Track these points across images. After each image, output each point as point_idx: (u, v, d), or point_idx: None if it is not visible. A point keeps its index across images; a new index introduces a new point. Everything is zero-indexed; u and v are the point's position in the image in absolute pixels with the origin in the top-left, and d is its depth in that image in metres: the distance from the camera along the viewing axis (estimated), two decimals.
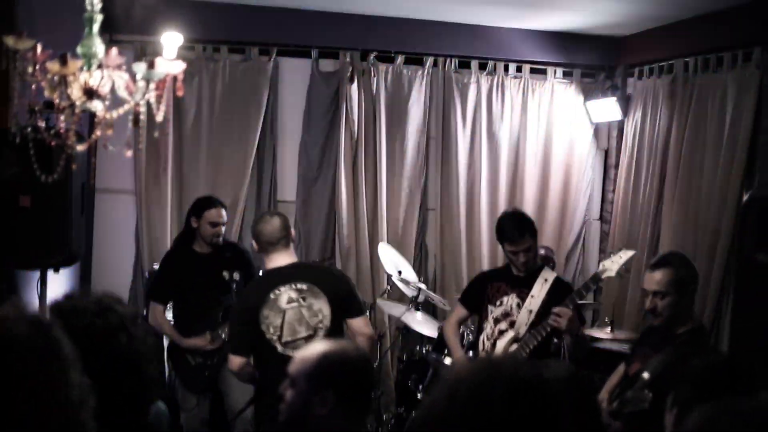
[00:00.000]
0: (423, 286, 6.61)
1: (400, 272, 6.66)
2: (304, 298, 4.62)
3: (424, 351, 6.54)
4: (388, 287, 6.96)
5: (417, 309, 6.59)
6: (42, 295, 5.21)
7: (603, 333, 6.43)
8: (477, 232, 7.67)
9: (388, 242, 7.34)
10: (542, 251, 6.82)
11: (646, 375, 3.90)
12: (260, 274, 4.98)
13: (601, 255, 7.86)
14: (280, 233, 4.75)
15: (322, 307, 4.63)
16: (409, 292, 6.64)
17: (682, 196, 6.28)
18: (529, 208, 7.64)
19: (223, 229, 5.88)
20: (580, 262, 7.94)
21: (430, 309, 7.44)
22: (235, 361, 4.67)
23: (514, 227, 5.11)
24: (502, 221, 5.27)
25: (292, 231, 4.91)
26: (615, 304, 7.06)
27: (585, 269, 7.85)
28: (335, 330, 4.65)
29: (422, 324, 6.54)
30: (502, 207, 7.63)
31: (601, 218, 7.99)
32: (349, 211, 7.55)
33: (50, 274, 5.27)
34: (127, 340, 2.23)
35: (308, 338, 4.54)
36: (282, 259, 4.75)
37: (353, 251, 7.54)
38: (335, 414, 2.91)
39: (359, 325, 4.78)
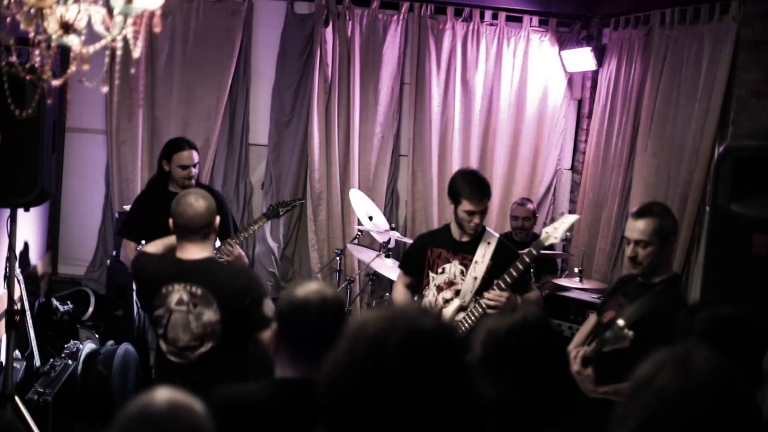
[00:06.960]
0: (395, 233, 6.62)
1: (371, 218, 6.66)
2: (195, 305, 4.01)
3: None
4: (359, 233, 6.97)
5: (387, 255, 6.59)
6: (11, 233, 5.17)
7: (572, 283, 6.47)
8: (449, 179, 7.61)
9: (359, 188, 7.34)
10: (530, 206, 6.92)
11: (621, 322, 3.91)
12: (172, 252, 4.25)
13: (571, 205, 7.90)
14: (202, 221, 4.08)
15: (211, 318, 4.00)
16: (380, 238, 6.64)
17: (655, 148, 6.29)
18: (501, 156, 7.67)
19: (195, 170, 5.75)
20: (551, 212, 7.96)
21: (400, 255, 7.45)
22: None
23: (479, 186, 4.90)
24: (461, 179, 5.01)
25: (217, 220, 4.18)
26: (584, 254, 7.10)
27: (555, 219, 7.84)
28: (229, 340, 4.06)
29: (392, 270, 6.54)
30: (474, 154, 7.64)
31: (573, 168, 8.00)
32: (321, 156, 7.52)
33: (20, 212, 5.23)
34: None
35: (193, 348, 4.03)
36: (193, 251, 4.09)
37: (324, 196, 7.53)
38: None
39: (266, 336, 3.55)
